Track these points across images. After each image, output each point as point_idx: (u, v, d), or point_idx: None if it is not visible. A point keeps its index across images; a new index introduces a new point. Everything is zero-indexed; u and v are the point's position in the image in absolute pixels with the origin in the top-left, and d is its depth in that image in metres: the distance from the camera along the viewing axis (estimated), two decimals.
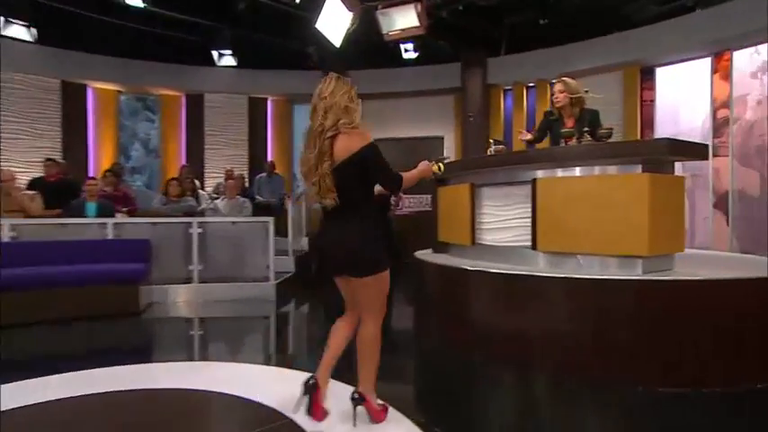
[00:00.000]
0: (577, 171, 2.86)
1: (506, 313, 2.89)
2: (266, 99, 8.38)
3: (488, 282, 2.99)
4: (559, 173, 2.93)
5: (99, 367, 2.83)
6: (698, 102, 6.08)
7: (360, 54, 7.83)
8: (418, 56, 7.53)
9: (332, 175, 1.90)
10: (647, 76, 6.49)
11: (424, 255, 3.89)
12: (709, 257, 3.72)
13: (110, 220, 4.83)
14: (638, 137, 6.30)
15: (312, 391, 2.02)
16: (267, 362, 3.21)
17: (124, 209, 5.32)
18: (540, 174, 3.00)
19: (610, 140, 2.82)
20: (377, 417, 2.07)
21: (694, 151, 2.86)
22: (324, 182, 1.91)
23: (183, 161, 7.74)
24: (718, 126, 5.92)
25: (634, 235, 2.62)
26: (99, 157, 7.44)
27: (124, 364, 2.88)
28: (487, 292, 3.01)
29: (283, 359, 3.31)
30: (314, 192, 1.95)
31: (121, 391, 2.51)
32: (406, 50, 7.42)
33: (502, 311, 2.92)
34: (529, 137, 3.20)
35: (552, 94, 3.36)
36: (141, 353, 3.43)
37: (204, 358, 3.28)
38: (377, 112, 8.18)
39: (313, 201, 2.00)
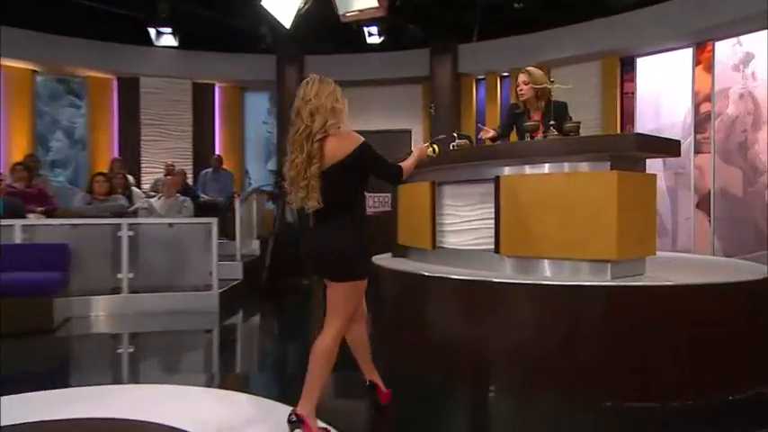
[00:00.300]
0: (542, 168, 2.90)
1: (466, 324, 2.91)
2: (213, 85, 8.24)
3: (448, 289, 2.99)
4: (523, 170, 2.96)
5: None
6: (680, 95, 6.33)
7: (319, 37, 7.80)
8: (383, 41, 7.55)
9: (320, 178, 2.05)
10: (628, 66, 6.70)
11: (382, 260, 3.88)
12: (684, 261, 3.86)
13: (17, 222, 4.61)
14: (617, 131, 6.50)
15: (298, 426, 2.08)
16: (209, 383, 3.13)
17: (39, 208, 5.09)
18: (503, 171, 3.03)
19: (578, 135, 2.87)
20: None
21: (665, 147, 2.95)
22: (311, 184, 2.05)
23: (116, 154, 7.49)
24: (701, 121, 6.18)
25: (602, 237, 2.68)
26: (9, 148, 7.09)
27: (31, 391, 2.74)
28: (447, 301, 3.01)
29: (228, 380, 3.25)
30: (301, 195, 2.07)
31: (25, 423, 2.37)
32: (369, 34, 7.42)
33: (462, 322, 2.93)
34: (491, 134, 3.24)
35: (516, 86, 3.40)
36: (53, 376, 3.27)
37: (133, 381, 3.18)
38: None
39: (297, 206, 2.11)
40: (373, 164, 2.13)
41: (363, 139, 2.11)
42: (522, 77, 3.35)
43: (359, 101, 8.15)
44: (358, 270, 2.12)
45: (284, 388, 3.01)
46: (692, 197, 6.21)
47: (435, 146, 2.52)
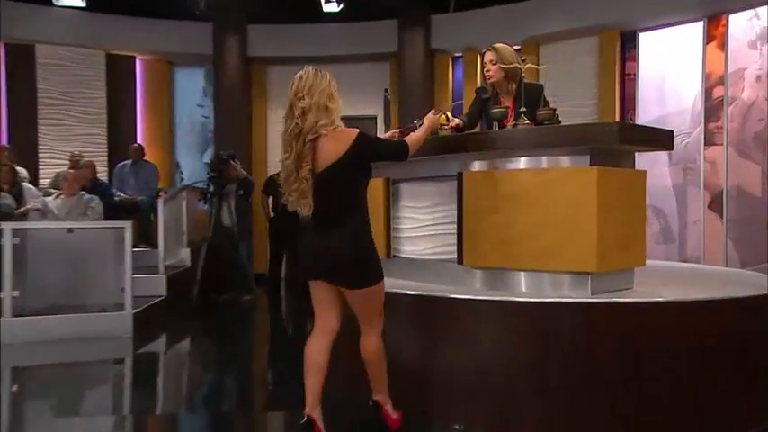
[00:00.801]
0: (512, 163, 2.92)
1: (424, 348, 2.90)
2: (133, 58, 8.07)
3: (402, 307, 2.96)
4: (490, 165, 2.97)
5: None
6: (689, 77, 6.45)
7: (266, 3, 7.72)
8: (343, 10, 7.51)
9: (310, 181, 2.28)
10: (629, 43, 6.81)
11: None
12: (687, 272, 3.93)
13: None
14: (616, 118, 6.59)
15: (310, 429, 2.39)
16: (117, 427, 3.05)
17: None
18: (467, 166, 3.04)
19: (553, 124, 2.88)
20: (393, 424, 2.63)
21: (655, 139, 3.00)
22: (302, 187, 2.28)
23: (4, 140, 7.20)
24: (713, 107, 6.30)
25: (580, 246, 2.69)
26: None
27: None
28: (401, 321, 2.97)
29: (144, 423, 3.16)
30: (293, 199, 2.33)
31: None
32: (327, 1, 7.39)
33: (419, 346, 2.93)
34: (455, 123, 3.21)
35: (483, 67, 3.39)
36: None
37: (19, 425, 3.06)
38: (288, 81, 8.10)
39: (293, 208, 2.36)
40: (374, 151, 2.42)
41: (357, 130, 2.36)
42: (488, 56, 3.36)
43: None
44: (377, 272, 2.43)
45: (218, 430, 2.98)
46: (702, 196, 6.33)
47: (448, 113, 2.79)
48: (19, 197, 5.57)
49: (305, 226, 2.39)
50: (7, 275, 4.57)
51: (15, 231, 4.65)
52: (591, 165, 2.71)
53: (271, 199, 7.46)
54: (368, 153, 2.39)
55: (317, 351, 2.47)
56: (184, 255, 6.56)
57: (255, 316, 6.51)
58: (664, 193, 6.50)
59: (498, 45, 3.40)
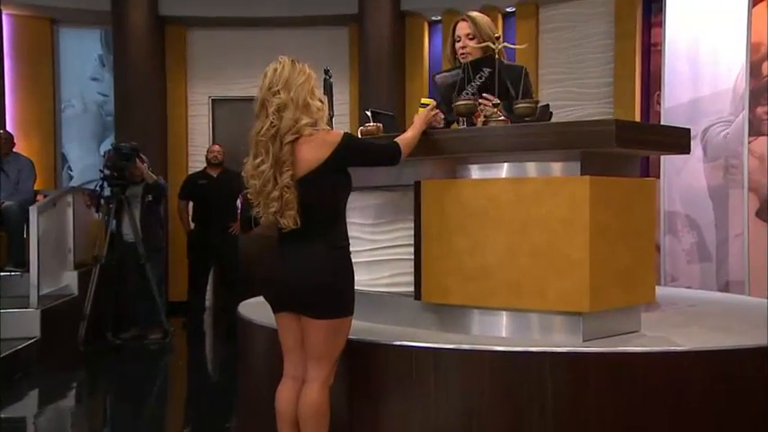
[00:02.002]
0: (481, 171, 2.95)
1: (370, 409, 2.92)
2: None
3: (343, 357, 2.94)
4: (455, 172, 3.00)
5: None
6: (730, 49, 6.58)
7: None
8: None
9: (296, 190, 2.48)
10: (654, 5, 6.92)
11: (251, 309, 3.84)
12: (716, 305, 3.99)
13: None
14: (637, 103, 6.69)
15: None
16: None
17: None
18: (426, 173, 3.08)
19: (535, 120, 2.90)
20: None
21: (666, 140, 3.03)
22: (285, 197, 2.47)
23: None
24: (761, 88, 6.44)
25: (569, 278, 2.72)
26: None
27: None
28: (343, 375, 2.95)
29: None
30: (273, 210, 2.50)
31: None
32: None
33: (364, 407, 2.94)
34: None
35: (456, 40, 3.43)
36: None
37: None
38: (231, 49, 8.10)
39: (268, 222, 2.56)
40: (363, 156, 2.69)
41: (343, 131, 2.62)
42: (463, 28, 3.41)
43: (258, 49, 8.14)
44: (350, 302, 2.62)
45: None
46: (746, 201, 6.43)
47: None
48: None
49: (267, 245, 2.63)
50: None
51: None
52: (582, 173, 2.74)
53: (191, 205, 7.42)
54: (355, 158, 2.63)
55: (291, 402, 2.66)
56: (69, 280, 6.50)
57: (168, 362, 6.45)
58: (698, 197, 6.60)
59: (475, 14, 3.45)
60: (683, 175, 6.43)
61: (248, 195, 2.58)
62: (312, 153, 2.51)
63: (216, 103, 8.54)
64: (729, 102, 6.51)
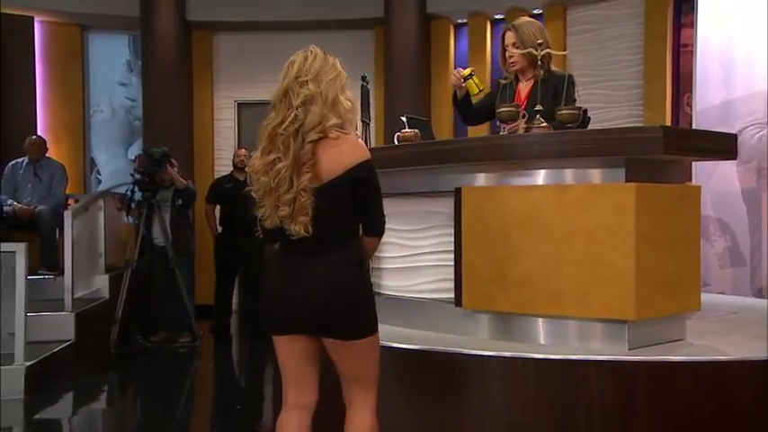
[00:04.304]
0: (524, 177, 2.95)
1: (413, 415, 2.93)
2: (31, 19, 8.02)
3: (386, 364, 2.99)
4: (496, 179, 3.01)
5: None
6: (764, 50, 6.51)
7: None
8: None
9: (312, 195, 2.20)
10: (685, 5, 6.86)
11: None
12: (754, 312, 3.94)
13: None
14: (668, 104, 6.64)
15: None
16: None
17: None
18: (467, 180, 3.09)
19: (577, 127, 2.91)
20: None
21: (714, 146, 3.03)
22: (299, 201, 2.19)
23: None
24: None
25: (614, 286, 2.72)
26: None
27: None
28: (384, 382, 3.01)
29: None
30: (283, 214, 2.21)
31: None
32: None
33: (406, 412, 2.95)
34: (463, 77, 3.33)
35: (504, 49, 3.45)
36: None
37: None
38: (256, 53, 8.13)
39: (273, 225, 2.25)
40: (368, 195, 2.32)
41: (368, 154, 2.32)
42: (509, 37, 3.42)
43: (283, 53, 8.00)
44: (373, 319, 2.36)
45: None
46: None
47: (475, 79, 3.22)
48: None
49: (270, 255, 2.42)
50: None
51: None
52: (627, 180, 2.74)
53: (218, 209, 7.46)
54: (364, 188, 2.30)
55: (292, 426, 2.39)
56: (101, 284, 6.53)
57: (196, 365, 6.49)
58: (731, 201, 6.54)
59: (520, 21, 3.46)
60: (714, 179, 6.36)
61: (253, 194, 2.28)
62: (337, 158, 2.23)
63: (241, 106, 8.57)
64: (764, 104, 6.44)
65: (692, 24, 6.78)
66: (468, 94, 3.54)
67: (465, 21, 7.80)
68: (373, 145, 7.65)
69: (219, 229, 7.46)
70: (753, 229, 6.51)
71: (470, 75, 3.42)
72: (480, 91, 3.52)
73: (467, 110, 3.63)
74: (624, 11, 6.90)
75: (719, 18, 6.68)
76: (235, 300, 7.70)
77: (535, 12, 7.16)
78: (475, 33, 7.69)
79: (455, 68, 7.57)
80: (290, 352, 2.37)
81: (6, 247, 4.93)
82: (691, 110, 6.75)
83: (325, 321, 2.28)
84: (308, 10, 7.95)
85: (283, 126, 2.22)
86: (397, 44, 7.69)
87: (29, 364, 4.85)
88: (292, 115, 2.21)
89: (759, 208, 6.47)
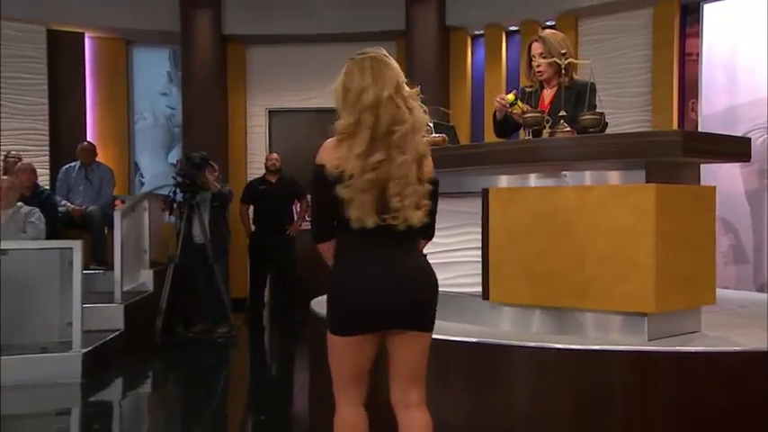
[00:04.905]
0: (548, 179, 2.94)
1: (442, 403, 2.85)
2: (82, 35, 8.08)
3: None
4: (521, 181, 3.01)
5: None
6: (765, 58, 6.42)
7: None
8: None
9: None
10: (691, 15, 6.79)
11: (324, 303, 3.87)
12: (761, 306, 3.88)
13: None
14: (674, 109, 6.57)
15: None
16: None
17: None
18: (493, 181, 3.09)
19: (596, 131, 2.89)
20: None
21: (730, 148, 3.00)
22: (421, 191, 2.18)
23: None
24: None
25: (635, 282, 2.70)
26: None
27: None
28: None
29: None
30: (407, 204, 2.14)
31: None
32: None
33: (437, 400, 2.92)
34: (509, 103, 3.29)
35: (531, 59, 3.44)
36: None
37: None
38: (287, 64, 8.17)
39: (362, 224, 2.13)
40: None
41: None
42: (536, 48, 3.41)
43: (311, 64, 8.21)
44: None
45: None
46: None
47: (519, 103, 3.23)
48: None
49: (347, 249, 2.21)
50: None
51: None
52: (647, 181, 2.72)
53: (252, 209, 7.49)
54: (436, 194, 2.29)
55: (362, 422, 2.30)
56: (146, 278, 6.58)
57: (233, 353, 6.52)
58: (734, 201, 6.46)
59: (546, 33, 3.46)
60: (719, 180, 6.27)
61: (344, 194, 2.11)
62: (429, 160, 2.26)
63: (272, 114, 8.59)
64: (766, 109, 6.35)
65: (698, 34, 6.71)
66: (506, 114, 3.53)
67: (481, 32, 7.76)
68: None
69: (253, 228, 7.49)
70: (756, 228, 6.42)
71: (515, 101, 3.35)
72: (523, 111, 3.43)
73: (506, 127, 3.62)
74: (633, 21, 6.84)
75: (724, 29, 6.62)
76: (266, 294, 7.73)
77: (548, 23, 7.12)
78: (491, 44, 7.65)
79: (472, 80, 7.60)
80: (363, 352, 2.22)
81: (65, 244, 5.01)
82: (696, 115, 6.69)
83: (424, 310, 2.23)
84: (333, 24, 7.95)
85: (397, 125, 2.14)
86: (417, 55, 7.66)
87: (85, 350, 4.94)
88: (406, 113, 2.16)
89: (762, 208, 6.38)
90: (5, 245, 4.93)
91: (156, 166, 8.55)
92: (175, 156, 8.36)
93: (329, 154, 2.19)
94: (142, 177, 8.51)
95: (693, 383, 2.59)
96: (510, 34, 7.65)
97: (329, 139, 2.23)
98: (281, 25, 7.98)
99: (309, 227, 2.39)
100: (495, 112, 3.58)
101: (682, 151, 2.60)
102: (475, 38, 7.87)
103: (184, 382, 5.55)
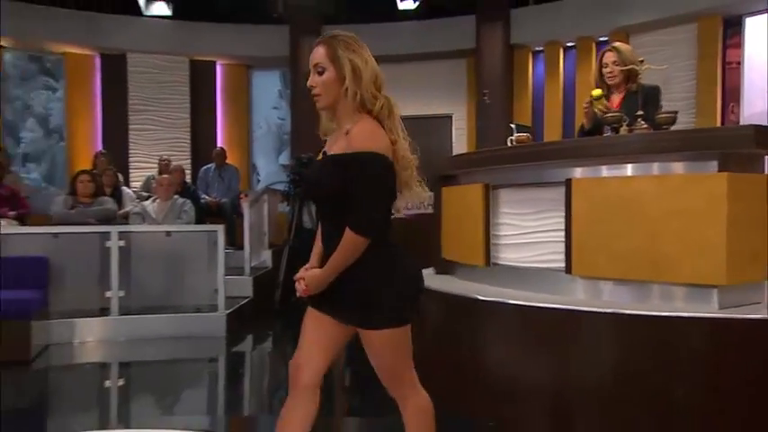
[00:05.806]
0: (627, 169, 2.84)
1: (529, 362, 2.87)
2: (214, 63, 8.35)
3: (507, 317, 2.98)
4: (602, 171, 2.91)
5: None
6: None
7: (341, 4, 7.82)
8: (419, 7, 7.53)
9: None
10: (733, 28, 6.44)
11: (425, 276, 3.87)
12: None
13: None
14: (718, 114, 6.26)
15: None
16: (213, 427, 3.18)
17: (12, 213, 5.23)
18: (576, 172, 2.99)
19: (671, 128, 2.78)
20: None
21: None
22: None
23: (99, 146, 7.66)
24: None
25: (707, 256, 2.59)
26: None
27: None
28: (505, 333, 2.98)
29: (236, 425, 3.29)
30: (420, 189, 1.92)
31: None
32: None
33: (523, 359, 2.90)
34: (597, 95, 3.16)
35: (603, 66, 3.33)
36: (27, 419, 3.31)
37: (123, 424, 3.22)
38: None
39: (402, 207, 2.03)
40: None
41: None
42: (610, 56, 3.31)
43: (389, 81, 8.10)
44: None
45: None
46: None
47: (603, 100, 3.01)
48: (119, 201, 5.91)
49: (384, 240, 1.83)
50: (114, 276, 4.86)
51: (121, 234, 4.93)
52: (719, 171, 2.60)
53: None
54: None
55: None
56: (266, 256, 6.73)
57: None
58: None
59: (619, 44, 3.38)
60: None
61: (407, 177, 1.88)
62: None
63: None
64: None
65: (738, 44, 6.40)
66: (594, 125, 3.40)
67: (541, 48, 7.62)
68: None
69: None
70: None
71: (600, 96, 3.23)
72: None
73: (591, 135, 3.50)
74: (679, 36, 6.56)
75: (764, 39, 6.26)
76: None
77: (601, 39, 6.90)
78: (550, 59, 7.50)
79: (533, 91, 7.37)
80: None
81: (211, 227, 5.23)
82: (735, 117, 6.38)
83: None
84: (413, 44, 7.92)
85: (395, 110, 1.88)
86: (486, 69, 7.59)
87: (227, 311, 5.11)
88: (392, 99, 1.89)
89: None
90: (169, 228, 5.19)
91: (269, 167, 8.78)
92: (285, 158, 8.55)
93: (383, 140, 1.80)
94: (258, 176, 8.75)
95: (761, 346, 2.46)
96: (567, 50, 7.48)
97: (368, 123, 1.82)
98: (371, 48, 7.92)
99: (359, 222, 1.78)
100: (582, 124, 3.44)
101: (755, 143, 2.47)
102: (536, 53, 7.75)
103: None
